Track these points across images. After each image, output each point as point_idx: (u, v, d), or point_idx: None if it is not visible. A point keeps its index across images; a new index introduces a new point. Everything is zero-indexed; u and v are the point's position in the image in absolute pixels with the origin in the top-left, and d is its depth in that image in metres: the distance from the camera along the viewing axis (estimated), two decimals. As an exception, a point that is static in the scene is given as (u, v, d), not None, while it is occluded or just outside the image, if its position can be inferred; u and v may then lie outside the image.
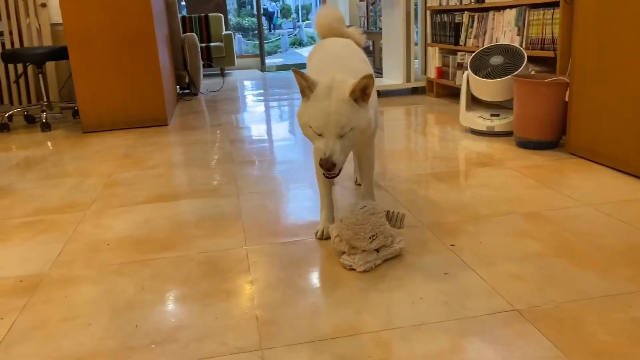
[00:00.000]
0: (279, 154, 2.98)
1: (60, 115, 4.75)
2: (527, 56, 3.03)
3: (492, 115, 3.15)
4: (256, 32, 10.09)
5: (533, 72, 3.11)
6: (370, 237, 1.55)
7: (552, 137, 2.75)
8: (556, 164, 2.50)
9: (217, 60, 7.01)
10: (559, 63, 2.87)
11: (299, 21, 19.73)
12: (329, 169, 1.49)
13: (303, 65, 2.04)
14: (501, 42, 3.43)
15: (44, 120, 4.07)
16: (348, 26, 2.12)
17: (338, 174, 1.53)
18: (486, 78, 3.06)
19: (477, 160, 2.64)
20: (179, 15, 5.48)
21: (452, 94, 4.55)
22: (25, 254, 1.82)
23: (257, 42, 8.77)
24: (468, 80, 3.21)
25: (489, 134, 3.12)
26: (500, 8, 3.50)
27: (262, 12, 8.63)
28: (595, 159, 2.47)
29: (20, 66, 4.87)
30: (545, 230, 1.77)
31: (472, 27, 3.88)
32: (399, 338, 1.22)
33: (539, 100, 2.69)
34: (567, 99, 2.63)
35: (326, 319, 1.32)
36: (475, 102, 3.34)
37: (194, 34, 5.46)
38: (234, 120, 4.11)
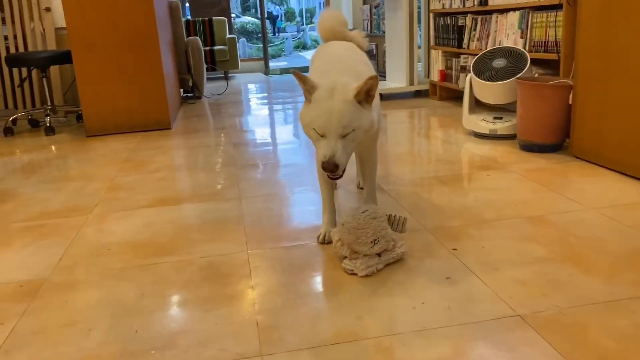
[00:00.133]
0: (282, 158, 2.98)
1: (65, 119, 4.76)
2: (531, 59, 3.02)
3: (495, 118, 3.13)
4: (260, 35, 10.10)
5: (536, 75, 3.10)
6: (371, 242, 1.54)
7: (555, 140, 2.73)
8: (560, 167, 2.48)
9: (221, 63, 7.03)
10: (563, 65, 2.86)
11: (302, 24, 19.78)
12: (332, 170, 1.48)
13: (306, 69, 2.04)
14: (504, 44, 3.41)
15: (48, 124, 4.08)
16: (351, 29, 2.12)
17: (342, 175, 1.52)
18: (489, 81, 3.05)
19: (480, 163, 2.63)
20: (183, 19, 5.50)
21: (456, 96, 4.54)
22: (26, 258, 1.82)
23: (261, 45, 8.79)
24: (471, 83, 3.20)
25: (492, 137, 3.10)
26: (503, 11, 3.49)
27: (266, 15, 8.65)
28: (599, 162, 2.46)
29: (24, 70, 4.90)
30: (549, 235, 1.76)
31: (475, 29, 3.87)
32: (401, 344, 1.21)
33: (542, 103, 2.67)
34: (570, 102, 2.61)
35: (327, 324, 1.31)
36: (478, 105, 3.33)
37: (198, 38, 5.48)
38: (237, 123, 4.11)
